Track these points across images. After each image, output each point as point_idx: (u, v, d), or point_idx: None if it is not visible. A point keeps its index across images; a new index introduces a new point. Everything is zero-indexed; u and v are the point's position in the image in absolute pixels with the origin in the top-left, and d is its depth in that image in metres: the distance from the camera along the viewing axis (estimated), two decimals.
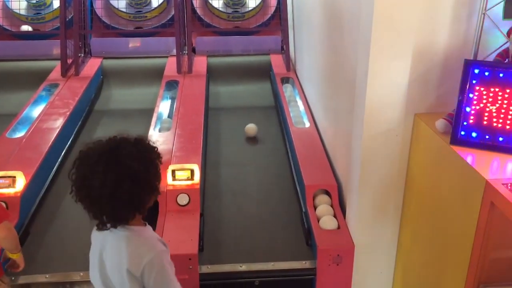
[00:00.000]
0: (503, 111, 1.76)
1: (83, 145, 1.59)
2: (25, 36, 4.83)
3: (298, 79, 4.29)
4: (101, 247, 1.64)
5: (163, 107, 3.78)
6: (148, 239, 1.60)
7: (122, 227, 1.57)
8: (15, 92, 4.18)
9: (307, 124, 3.46)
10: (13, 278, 2.26)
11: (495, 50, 1.90)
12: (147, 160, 1.56)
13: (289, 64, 4.50)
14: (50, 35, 4.78)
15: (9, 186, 2.59)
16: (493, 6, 1.84)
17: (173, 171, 2.68)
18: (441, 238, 1.96)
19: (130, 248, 1.54)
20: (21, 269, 2.16)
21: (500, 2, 1.86)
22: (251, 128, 3.60)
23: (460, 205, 1.77)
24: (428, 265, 2.09)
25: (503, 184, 1.55)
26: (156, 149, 1.62)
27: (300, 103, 3.84)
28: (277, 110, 4.01)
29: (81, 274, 2.33)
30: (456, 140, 1.84)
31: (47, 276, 2.32)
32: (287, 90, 4.09)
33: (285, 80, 4.29)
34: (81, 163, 1.54)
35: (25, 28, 4.86)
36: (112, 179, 1.47)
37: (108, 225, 1.57)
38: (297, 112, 3.67)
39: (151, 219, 2.51)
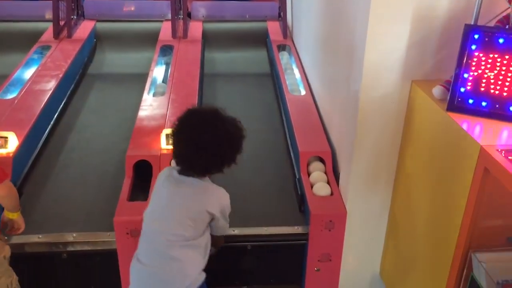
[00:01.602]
0: (501, 77, 1.74)
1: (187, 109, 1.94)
2: None
3: (295, 47, 4.23)
4: (175, 188, 1.92)
5: (158, 72, 3.72)
6: (219, 187, 1.95)
7: (201, 177, 1.92)
8: (7, 53, 4.10)
9: (303, 92, 3.43)
10: (6, 238, 2.26)
11: (496, 16, 1.87)
12: (239, 130, 1.93)
13: (286, 31, 4.43)
14: None
15: (1, 146, 2.56)
16: None
17: (167, 135, 2.65)
18: (433, 204, 1.97)
19: (211, 194, 1.91)
20: (22, 231, 2.17)
21: None
22: None
23: (454, 171, 1.77)
24: (420, 231, 2.12)
25: (497, 150, 1.55)
26: (244, 130, 1.96)
27: (296, 71, 3.80)
28: (273, 77, 3.97)
29: (74, 235, 2.34)
30: (452, 106, 1.83)
31: (40, 236, 2.33)
32: (283, 58, 4.04)
33: (281, 48, 4.23)
34: (195, 116, 1.89)
35: None
36: (221, 136, 1.84)
37: (196, 171, 1.89)
38: (293, 80, 3.63)
39: (146, 182, 2.51)
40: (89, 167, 2.86)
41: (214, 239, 2.04)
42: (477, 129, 1.73)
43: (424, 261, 2.08)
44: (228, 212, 2.02)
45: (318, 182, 2.53)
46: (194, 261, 1.90)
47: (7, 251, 2.11)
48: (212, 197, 1.92)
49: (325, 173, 2.62)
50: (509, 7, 1.81)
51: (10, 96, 3.16)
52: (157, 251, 1.88)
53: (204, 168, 1.90)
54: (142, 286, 1.91)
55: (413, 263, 2.20)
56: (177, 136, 1.89)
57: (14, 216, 2.12)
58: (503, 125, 1.74)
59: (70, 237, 2.34)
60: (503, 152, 1.55)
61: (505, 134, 1.70)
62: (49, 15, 4.29)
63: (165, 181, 1.95)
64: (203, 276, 1.94)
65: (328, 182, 2.54)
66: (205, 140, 1.83)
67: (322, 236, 2.37)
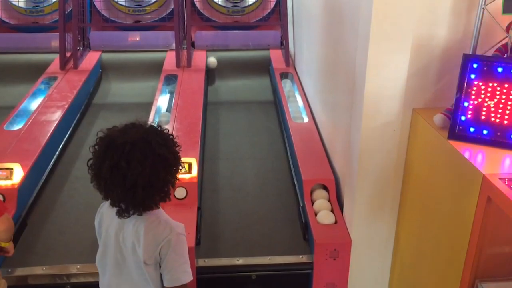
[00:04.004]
0: (501, 106, 1.75)
1: (100, 133, 1.61)
2: (24, 29, 4.82)
3: (297, 75, 4.28)
4: (118, 230, 1.71)
5: (162, 101, 3.77)
6: (167, 221, 1.67)
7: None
8: (14, 84, 4.18)
9: (306, 120, 3.45)
10: (9, 270, 2.26)
11: (494, 45, 1.89)
12: (173, 147, 1.62)
13: (288, 59, 4.49)
14: (49, 28, 4.77)
15: (6, 178, 2.58)
16: (493, 1, 1.83)
17: None
18: (438, 233, 1.96)
19: (146, 241, 1.62)
20: (11, 255, 2.15)
21: None
22: (212, 62, 4.32)
23: (457, 199, 1.76)
24: (425, 259, 2.09)
25: (500, 178, 1.55)
26: (173, 136, 1.67)
27: (299, 99, 3.83)
28: (276, 105, 4.00)
29: (78, 266, 2.33)
30: (454, 135, 1.84)
31: (44, 268, 2.32)
32: (286, 85, 4.09)
33: (284, 75, 4.28)
34: (111, 152, 1.53)
35: None
36: (150, 167, 1.52)
37: (131, 211, 1.61)
38: (296, 108, 3.66)
39: None
40: (94, 198, 2.84)
41: None
42: (479, 157, 1.73)
43: None
44: (183, 253, 1.72)
45: (322, 210, 2.52)
46: None
47: (3, 285, 2.08)
48: (151, 243, 1.65)
49: (329, 201, 2.61)
50: (507, 36, 1.84)
51: (16, 127, 3.20)
52: None
53: (144, 205, 1.60)
54: None
55: None
56: (98, 178, 1.57)
57: (6, 244, 2.11)
58: (505, 153, 1.74)
59: (74, 268, 2.33)
60: (506, 180, 1.55)
61: (507, 162, 1.71)
62: (55, 46, 4.37)
63: (104, 232, 1.78)
64: None
65: (332, 210, 2.53)
66: (135, 177, 1.51)
67: (327, 265, 2.35)
